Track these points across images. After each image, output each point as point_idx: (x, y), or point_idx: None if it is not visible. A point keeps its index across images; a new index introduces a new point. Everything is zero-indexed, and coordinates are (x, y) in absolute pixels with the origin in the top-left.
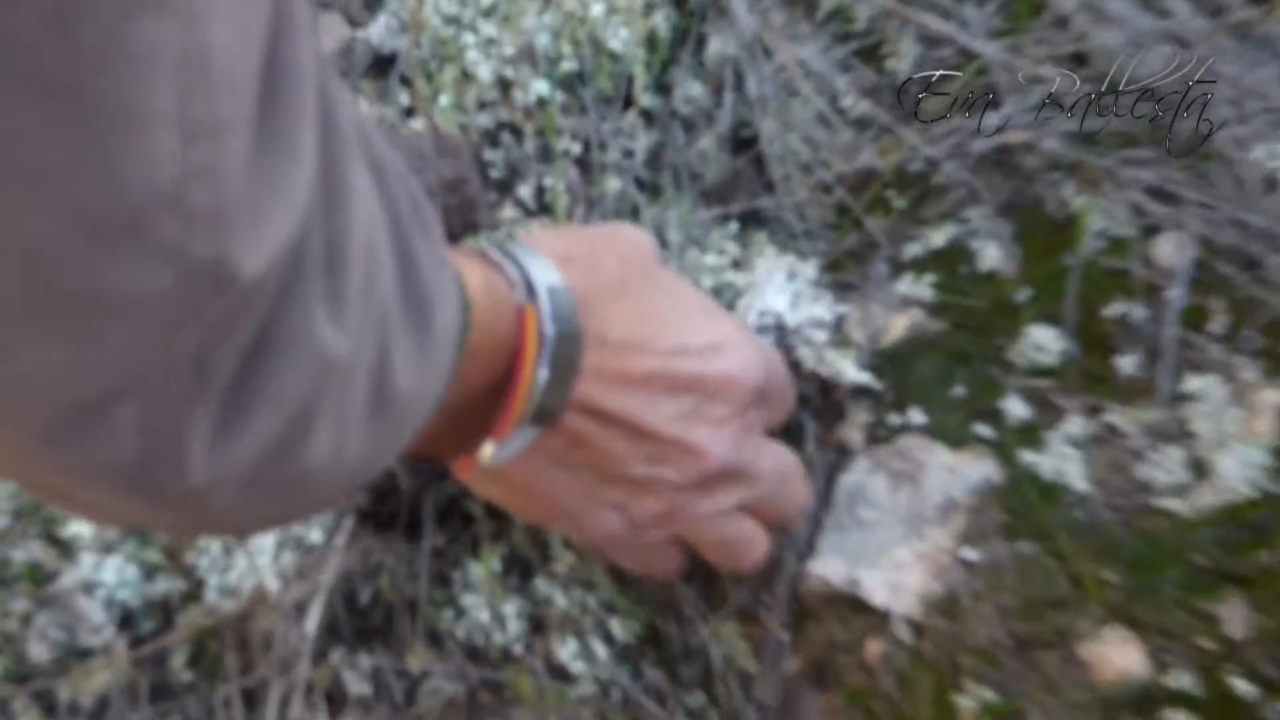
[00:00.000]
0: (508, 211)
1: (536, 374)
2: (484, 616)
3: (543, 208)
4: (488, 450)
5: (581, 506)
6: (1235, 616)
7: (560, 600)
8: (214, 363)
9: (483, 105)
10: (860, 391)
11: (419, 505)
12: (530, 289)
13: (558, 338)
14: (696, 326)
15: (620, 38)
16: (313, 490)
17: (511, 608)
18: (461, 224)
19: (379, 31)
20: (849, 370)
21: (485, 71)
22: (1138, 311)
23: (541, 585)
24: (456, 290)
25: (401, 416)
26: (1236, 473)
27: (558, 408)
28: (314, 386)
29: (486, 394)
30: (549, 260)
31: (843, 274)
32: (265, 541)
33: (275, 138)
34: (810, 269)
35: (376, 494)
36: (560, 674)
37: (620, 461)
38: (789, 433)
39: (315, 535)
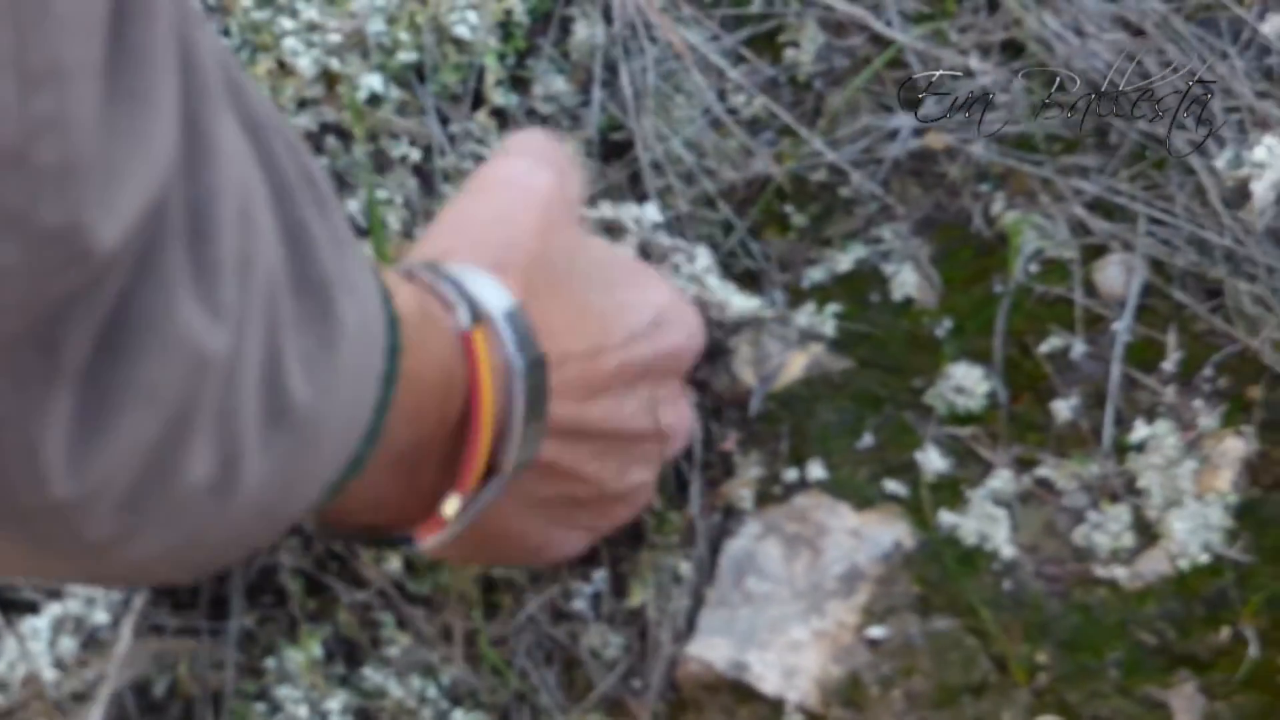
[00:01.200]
0: None
1: (512, 414)
2: (302, 712)
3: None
4: (452, 505)
5: (549, 538)
6: (1187, 705)
7: (395, 690)
8: (66, 341)
9: (303, 103)
10: (751, 440)
11: (225, 579)
12: (475, 312)
13: (528, 369)
14: (635, 303)
15: (468, 23)
16: (210, 520)
17: (336, 702)
18: None
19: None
20: (736, 301)
21: (306, 63)
22: (1078, 347)
23: (372, 673)
24: (376, 287)
25: (308, 433)
26: (1190, 536)
27: (536, 450)
28: (188, 381)
29: (440, 436)
30: (489, 277)
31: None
32: (39, 623)
33: (128, 83)
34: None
35: None
36: None
37: (597, 483)
38: (674, 494)
39: (100, 615)
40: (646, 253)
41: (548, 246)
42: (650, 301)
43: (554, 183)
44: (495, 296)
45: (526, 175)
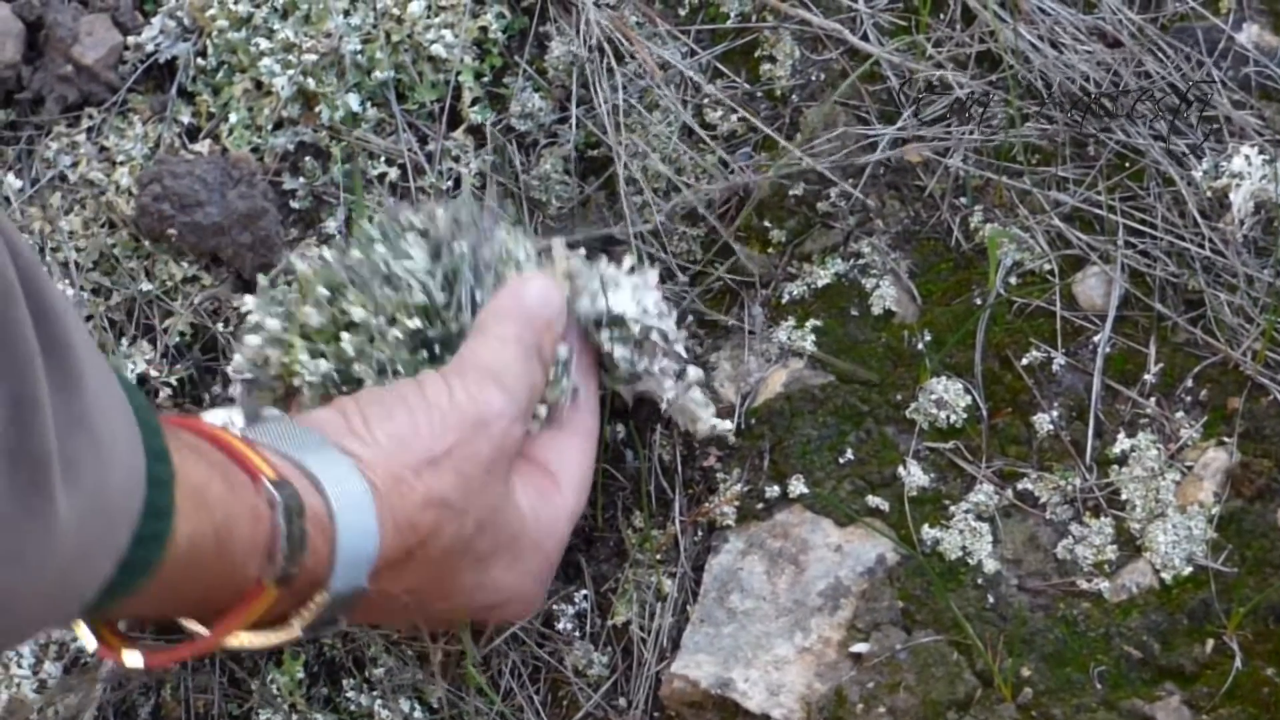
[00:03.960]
0: (312, 249)
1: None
2: None
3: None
4: (133, 658)
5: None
6: (1172, 718)
7: (381, 712)
8: None
9: (280, 123)
10: (732, 454)
11: None
12: (295, 567)
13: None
14: (493, 585)
15: (444, 41)
16: None
17: None
18: (256, 265)
19: (154, 36)
20: (706, 419)
21: (283, 83)
22: (1058, 360)
23: (356, 695)
24: (133, 480)
25: None
26: (1173, 548)
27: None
28: None
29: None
30: (376, 539)
31: (710, 318)
32: (23, 648)
33: None
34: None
35: None
36: None
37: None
38: (657, 506)
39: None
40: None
41: (466, 509)
42: (508, 588)
43: (512, 435)
44: (354, 569)
45: (496, 420)
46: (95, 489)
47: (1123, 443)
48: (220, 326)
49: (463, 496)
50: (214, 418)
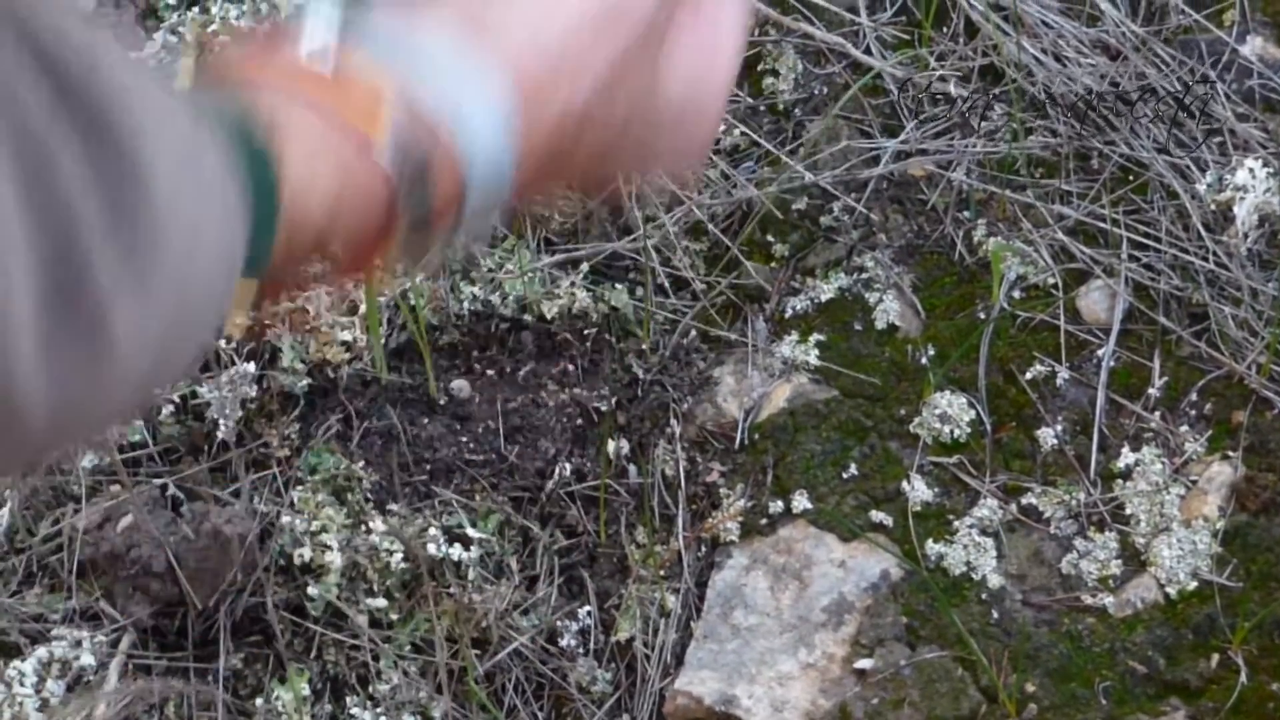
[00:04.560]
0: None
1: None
2: None
3: None
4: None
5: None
6: None
7: None
8: None
9: None
10: (736, 472)
11: (212, 618)
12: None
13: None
14: (650, 163)
15: None
16: None
17: None
18: None
19: (157, 53)
20: None
21: None
22: (1062, 374)
23: (360, 711)
24: (226, 255)
25: (46, 431)
26: (1178, 563)
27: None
28: None
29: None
30: (518, 161)
31: (714, 333)
32: (25, 666)
33: None
34: None
35: (160, 607)
36: None
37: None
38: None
39: (86, 658)
40: None
41: (612, 107)
42: (668, 160)
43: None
44: (489, 203)
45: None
46: (176, 289)
47: (1127, 457)
48: (223, 343)
49: (607, 91)
50: (312, 36)
